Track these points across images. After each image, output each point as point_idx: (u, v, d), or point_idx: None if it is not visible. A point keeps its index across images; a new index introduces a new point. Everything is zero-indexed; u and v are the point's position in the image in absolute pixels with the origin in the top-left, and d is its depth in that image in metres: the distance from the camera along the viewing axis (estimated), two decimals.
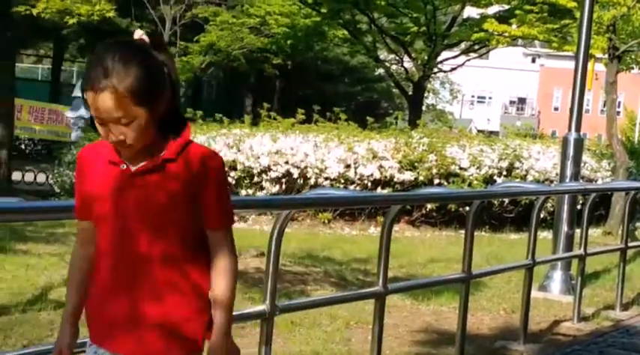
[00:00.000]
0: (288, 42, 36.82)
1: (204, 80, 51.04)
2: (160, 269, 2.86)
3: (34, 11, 27.53)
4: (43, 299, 7.91)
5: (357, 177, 16.18)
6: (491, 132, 47.77)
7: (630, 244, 10.24)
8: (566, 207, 10.31)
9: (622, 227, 11.48)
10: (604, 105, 57.01)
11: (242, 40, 40.92)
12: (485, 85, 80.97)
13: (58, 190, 18.89)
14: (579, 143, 10.53)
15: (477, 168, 16.95)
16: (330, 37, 37.33)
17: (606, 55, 18.12)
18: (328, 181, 15.98)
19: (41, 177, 25.26)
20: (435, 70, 38.94)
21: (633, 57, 19.44)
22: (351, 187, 15.83)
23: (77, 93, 23.19)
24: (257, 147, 16.36)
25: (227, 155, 16.23)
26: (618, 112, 26.84)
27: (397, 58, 38.63)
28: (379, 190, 15.84)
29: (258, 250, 10.42)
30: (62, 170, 18.96)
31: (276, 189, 16.02)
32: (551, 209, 14.60)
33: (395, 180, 16.27)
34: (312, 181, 15.96)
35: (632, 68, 20.31)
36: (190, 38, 42.23)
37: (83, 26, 34.53)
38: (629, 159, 18.77)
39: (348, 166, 16.21)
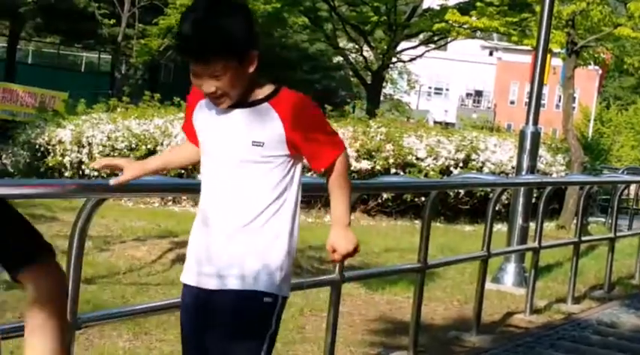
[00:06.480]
0: None
1: (162, 63, 50.64)
2: None
3: None
4: None
5: None
6: (447, 124, 48.00)
7: (583, 238, 10.33)
8: (521, 200, 10.37)
9: (575, 221, 11.59)
10: (559, 100, 57.49)
11: None
12: (443, 76, 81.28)
13: (12, 170, 18.68)
14: (536, 136, 10.59)
15: (434, 158, 16.99)
16: (289, 23, 37.26)
17: (563, 50, 18.23)
18: None
19: None
20: (394, 59, 39.07)
21: (591, 52, 19.59)
22: (308, 175, 15.78)
23: None
24: None
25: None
26: (573, 107, 27.05)
27: (357, 46, 38.65)
28: None
29: None
30: (16, 150, 18.76)
31: None
32: (506, 202, 14.67)
33: (352, 168, 16.24)
34: None
35: (590, 63, 20.47)
36: (149, 21, 41.86)
37: (40, 5, 34.15)
38: (584, 154, 18.93)
39: None
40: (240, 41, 3.37)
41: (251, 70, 3.43)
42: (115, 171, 3.71)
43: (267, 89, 3.48)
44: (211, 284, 3.49)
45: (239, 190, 3.45)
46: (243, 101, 3.44)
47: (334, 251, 3.62)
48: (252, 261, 3.45)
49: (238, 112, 3.44)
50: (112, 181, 3.66)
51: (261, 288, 3.47)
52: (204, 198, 3.57)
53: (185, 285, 3.62)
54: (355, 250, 3.67)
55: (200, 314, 3.54)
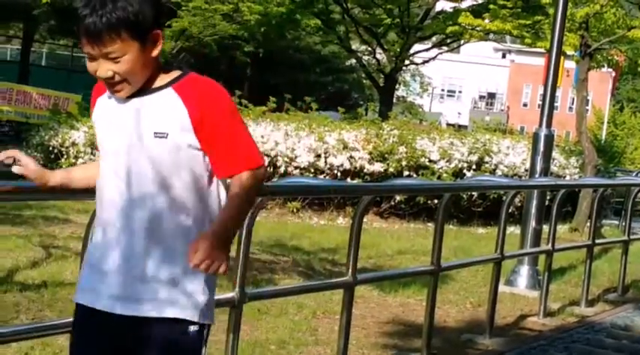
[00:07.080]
0: (261, 29, 36.68)
1: (175, 66, 50.71)
2: None
3: None
4: (8, 281, 7.85)
5: (327, 167, 16.16)
6: (460, 126, 47.92)
7: (597, 241, 10.30)
8: (535, 203, 10.35)
9: (589, 224, 11.56)
10: (572, 103, 57.32)
11: (214, 27, 40.70)
12: (456, 79, 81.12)
13: None
14: (550, 139, 10.57)
15: (447, 161, 16.98)
16: (302, 25, 37.25)
17: (577, 52, 18.19)
18: (298, 170, 15.96)
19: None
20: (407, 62, 38.99)
21: (604, 55, 19.54)
22: (321, 177, 15.80)
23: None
24: None
25: None
26: (587, 110, 26.97)
27: (369, 49, 38.62)
28: (349, 181, 15.83)
29: None
30: (30, 152, 18.79)
31: None
32: (519, 204, 14.65)
33: (365, 171, 16.27)
34: (281, 170, 15.93)
35: (603, 66, 20.42)
36: (162, 23, 41.98)
37: (54, 7, 34.20)
38: (597, 156, 18.88)
39: (318, 156, 16.19)
40: (141, 17, 2.86)
41: (155, 52, 2.94)
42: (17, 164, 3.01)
43: (173, 74, 3.02)
44: (119, 308, 2.92)
45: (145, 195, 2.88)
46: (145, 89, 2.94)
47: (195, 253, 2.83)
48: (169, 282, 2.89)
49: (138, 101, 2.92)
50: (16, 169, 3.00)
51: (184, 316, 2.92)
52: (104, 206, 3.00)
53: (81, 306, 3.01)
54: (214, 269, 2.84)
55: (105, 343, 2.96)
